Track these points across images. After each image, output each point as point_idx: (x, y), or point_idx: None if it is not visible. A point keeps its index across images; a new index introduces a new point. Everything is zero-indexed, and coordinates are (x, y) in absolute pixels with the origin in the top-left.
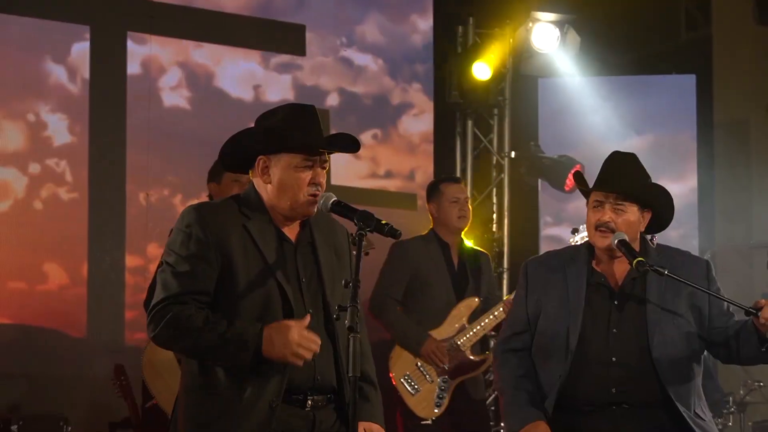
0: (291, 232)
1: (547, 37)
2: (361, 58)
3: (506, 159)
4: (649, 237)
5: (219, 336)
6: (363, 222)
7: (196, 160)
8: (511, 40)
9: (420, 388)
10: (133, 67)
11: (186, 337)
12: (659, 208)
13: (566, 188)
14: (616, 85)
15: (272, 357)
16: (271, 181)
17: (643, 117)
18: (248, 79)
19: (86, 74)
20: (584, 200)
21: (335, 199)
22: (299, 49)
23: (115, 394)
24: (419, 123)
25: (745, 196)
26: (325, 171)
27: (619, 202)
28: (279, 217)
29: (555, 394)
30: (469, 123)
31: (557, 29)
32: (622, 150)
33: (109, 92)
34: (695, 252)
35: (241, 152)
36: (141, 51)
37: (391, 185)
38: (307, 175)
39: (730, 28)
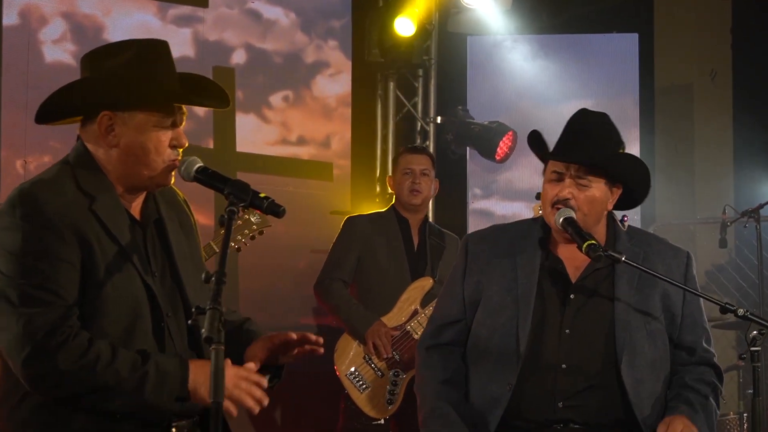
0: (134, 207)
1: None
2: (270, 11)
3: (431, 124)
4: (619, 217)
5: (133, 371)
6: (235, 195)
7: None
8: None
9: (369, 384)
10: (9, 17)
11: (114, 394)
12: (632, 183)
13: (497, 158)
14: (553, 44)
15: (202, 400)
16: (118, 143)
17: (582, 79)
18: (142, 32)
19: None
20: (516, 172)
21: (200, 164)
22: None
23: None
24: (336, 84)
25: (688, 168)
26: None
27: (582, 175)
28: (122, 189)
29: (501, 410)
30: (391, 85)
31: None
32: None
33: None
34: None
35: (77, 103)
36: None
37: (304, 153)
38: (166, 136)
39: None
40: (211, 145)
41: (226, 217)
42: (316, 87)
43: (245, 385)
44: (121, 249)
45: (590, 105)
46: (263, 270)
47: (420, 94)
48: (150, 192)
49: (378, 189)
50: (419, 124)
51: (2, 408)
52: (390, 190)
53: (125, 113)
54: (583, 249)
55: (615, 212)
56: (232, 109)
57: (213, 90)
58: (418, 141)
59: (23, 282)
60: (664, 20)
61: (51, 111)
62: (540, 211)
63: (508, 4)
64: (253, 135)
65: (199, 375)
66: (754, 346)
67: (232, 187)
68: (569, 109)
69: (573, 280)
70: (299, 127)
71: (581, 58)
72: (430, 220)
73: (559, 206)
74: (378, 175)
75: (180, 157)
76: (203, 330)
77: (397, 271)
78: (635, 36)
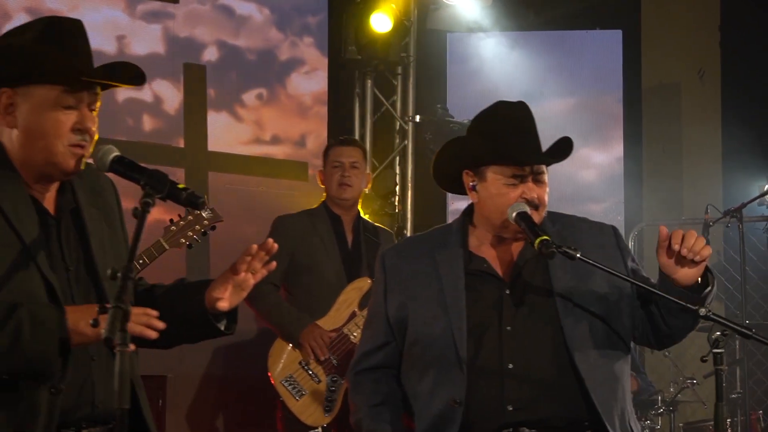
0: (47, 197)
1: None
2: (243, 7)
3: (410, 124)
4: None
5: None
6: (152, 186)
7: None
8: None
9: (305, 390)
10: None
11: None
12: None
13: None
14: (535, 41)
15: (86, 339)
16: (17, 124)
17: (564, 77)
18: (111, 28)
19: None
20: None
21: (117, 153)
22: None
23: None
24: (311, 82)
25: (676, 167)
26: (95, 116)
27: (541, 174)
28: (30, 177)
29: (456, 426)
30: (369, 83)
31: None
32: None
33: None
34: (620, 230)
35: None
36: None
37: (279, 152)
38: (69, 117)
39: None
40: (181, 144)
41: (140, 209)
42: (291, 85)
43: (145, 318)
44: (23, 244)
45: (573, 103)
46: None
47: (399, 93)
48: (64, 181)
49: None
50: (398, 123)
51: None
52: (323, 185)
53: (24, 90)
54: (536, 245)
55: None
56: (204, 108)
57: (125, 70)
58: (397, 140)
59: None
60: (652, 18)
61: None
62: None
63: (488, 1)
64: (225, 134)
65: (76, 312)
66: (716, 348)
67: (149, 177)
68: (552, 107)
69: (504, 277)
70: (273, 126)
71: (563, 56)
72: (408, 220)
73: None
74: None
75: (87, 143)
76: (102, 331)
77: (331, 272)
78: (619, 33)
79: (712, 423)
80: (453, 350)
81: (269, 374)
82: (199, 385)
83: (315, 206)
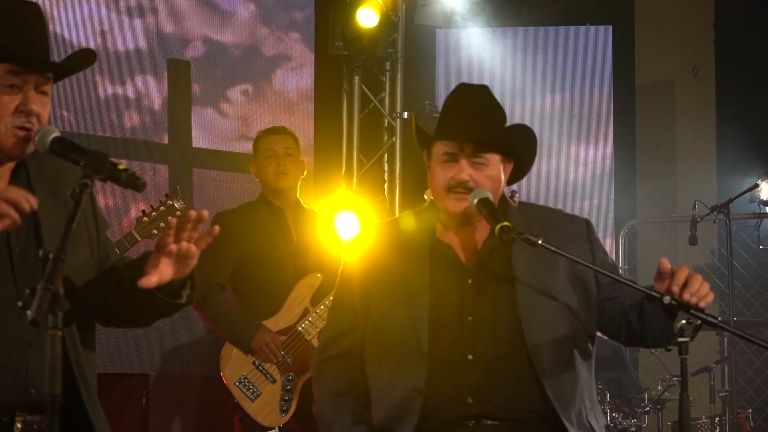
0: None
1: None
2: (228, 3)
3: (398, 120)
4: (509, 192)
5: None
6: (92, 167)
7: None
8: None
9: (260, 391)
10: None
11: None
12: (524, 155)
13: None
14: (524, 37)
15: None
16: None
17: (554, 73)
18: (93, 23)
19: None
20: None
21: (57, 134)
22: None
23: None
24: (298, 78)
25: (669, 165)
26: (46, 99)
27: (479, 154)
28: None
29: (415, 417)
30: (356, 79)
31: None
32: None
33: None
34: (611, 227)
35: None
36: None
37: None
38: (12, 98)
39: None
40: (165, 141)
41: (77, 190)
42: (277, 81)
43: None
44: None
45: (563, 99)
46: None
47: (387, 89)
48: (19, 165)
49: (343, 186)
50: (386, 120)
51: None
52: (258, 177)
53: None
54: (496, 231)
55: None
56: (188, 104)
57: (76, 55)
58: (385, 137)
59: None
60: (645, 15)
61: None
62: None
63: None
64: (210, 130)
65: None
66: (681, 336)
67: (89, 158)
68: (541, 104)
69: (467, 265)
70: (259, 122)
71: (553, 51)
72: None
73: (460, 191)
74: (343, 171)
75: (34, 126)
76: (29, 312)
77: (279, 266)
78: (609, 28)
79: (700, 421)
80: (414, 339)
81: (222, 375)
82: (183, 384)
83: (342, 202)
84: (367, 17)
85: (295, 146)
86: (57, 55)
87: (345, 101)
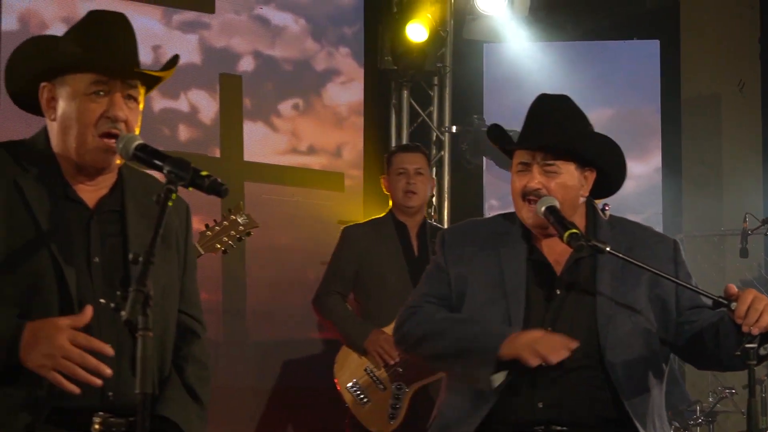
0: (90, 192)
1: None
2: (279, 17)
3: (447, 134)
4: (600, 205)
5: None
6: (175, 173)
7: None
8: (452, 1)
9: (371, 397)
10: (8, 22)
11: None
12: (605, 165)
13: None
14: (571, 51)
15: (31, 366)
16: (56, 116)
17: (601, 87)
18: (147, 38)
19: None
20: None
21: (141, 141)
22: (207, 5)
23: None
24: (347, 92)
25: (715, 179)
26: (134, 105)
27: (550, 162)
28: (71, 169)
29: (485, 410)
30: (405, 93)
31: None
32: (592, 123)
33: None
34: None
35: (19, 81)
36: (18, 3)
37: (315, 163)
38: (98, 106)
39: None
40: (217, 154)
41: (162, 196)
42: (327, 95)
43: (77, 353)
44: (37, 226)
45: (610, 113)
46: (271, 282)
47: (435, 103)
48: (121, 182)
49: (390, 201)
50: (434, 134)
51: None
52: (387, 192)
53: (60, 81)
54: (564, 238)
55: (596, 201)
56: (240, 118)
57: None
58: (434, 151)
59: None
60: (690, 30)
61: (12, 94)
62: None
63: (525, 11)
64: (261, 144)
65: (35, 333)
66: (749, 343)
67: (172, 164)
68: (589, 118)
69: (556, 273)
70: (309, 136)
71: (600, 65)
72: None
73: (532, 198)
74: None
75: (118, 131)
76: (123, 313)
77: (398, 279)
78: (656, 42)
79: None
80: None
81: (335, 380)
82: (269, 397)
83: (361, 215)
84: (417, 32)
85: (426, 165)
86: None
87: (393, 115)
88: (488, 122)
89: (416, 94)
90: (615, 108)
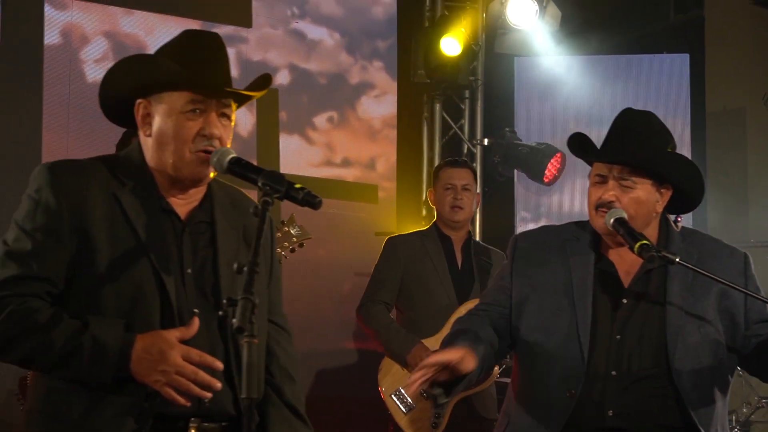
0: (182, 205)
1: (524, 11)
2: (315, 32)
3: (479, 147)
4: (673, 217)
5: (70, 339)
6: (270, 186)
7: None
8: (483, 15)
9: (414, 405)
10: (51, 36)
11: (25, 340)
12: (681, 184)
13: (545, 180)
14: (602, 65)
15: (142, 380)
16: (152, 132)
17: (631, 100)
18: None
19: None
20: (565, 194)
21: (234, 155)
22: (244, 20)
23: (20, 411)
24: (381, 105)
25: (740, 191)
26: (228, 122)
27: (626, 177)
28: (165, 182)
29: (564, 417)
30: (437, 106)
31: (535, 3)
32: (602, 136)
33: (23, 64)
34: None
35: (114, 94)
36: (61, 18)
37: (349, 175)
38: (195, 123)
39: (724, 9)
40: None
41: (260, 208)
42: (361, 108)
43: (190, 370)
44: (137, 238)
45: None
46: (307, 292)
47: (467, 116)
48: (210, 194)
49: (424, 212)
50: (466, 146)
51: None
52: (434, 206)
53: (157, 98)
54: (635, 249)
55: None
56: (276, 131)
57: (254, 83)
58: None
59: (8, 248)
60: (716, 43)
61: (105, 106)
62: None
63: (556, 25)
64: (297, 156)
65: (146, 343)
66: None
67: (267, 177)
68: None
69: (625, 285)
70: (344, 149)
71: (631, 79)
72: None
73: (604, 210)
74: (424, 197)
75: (213, 148)
76: (234, 320)
77: (441, 292)
78: (686, 57)
79: None
80: (576, 343)
81: (379, 388)
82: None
83: (425, 227)
84: (451, 46)
85: (473, 180)
86: None
87: (426, 128)
88: (519, 134)
89: (448, 107)
90: None
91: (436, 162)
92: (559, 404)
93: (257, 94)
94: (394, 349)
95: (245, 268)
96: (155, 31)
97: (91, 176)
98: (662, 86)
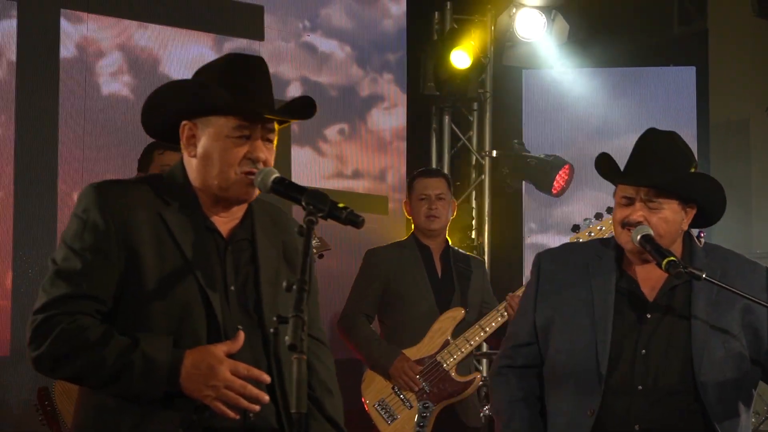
0: (224, 223)
1: (532, 24)
2: (326, 45)
3: (487, 158)
4: (696, 233)
5: (120, 356)
6: (314, 205)
7: (137, 155)
8: (492, 28)
9: (397, 415)
10: (66, 50)
11: (77, 357)
12: (706, 204)
13: (553, 191)
14: (609, 77)
15: (191, 395)
16: (197, 153)
17: (639, 112)
18: (199, 65)
19: (13, 57)
20: (573, 206)
21: (278, 175)
22: (257, 33)
23: (38, 422)
24: (391, 117)
25: (744, 201)
26: (271, 145)
27: (653, 199)
28: (208, 202)
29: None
30: (446, 118)
31: (543, 16)
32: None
33: (39, 78)
34: None
35: (160, 115)
36: (76, 31)
37: (360, 186)
38: (242, 148)
39: (727, 22)
40: None
41: (305, 227)
42: (372, 120)
43: (239, 384)
44: (183, 257)
45: None
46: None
47: (475, 128)
48: (250, 213)
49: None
50: (474, 158)
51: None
52: (410, 216)
53: (204, 121)
54: (663, 266)
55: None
56: (288, 142)
57: (296, 103)
58: (473, 175)
59: (57, 267)
60: (719, 55)
61: (149, 125)
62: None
63: (564, 38)
64: (308, 168)
65: (195, 359)
66: None
67: (310, 197)
68: (626, 143)
69: (649, 300)
70: (354, 161)
71: (638, 92)
72: (486, 254)
73: (630, 227)
74: None
75: (257, 170)
76: (287, 338)
77: (423, 301)
78: (692, 69)
79: None
80: (594, 363)
81: (363, 399)
82: None
83: (404, 238)
84: (461, 59)
85: (447, 189)
86: None
87: (435, 140)
88: (528, 146)
89: (457, 118)
90: None
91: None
92: (581, 423)
93: (304, 119)
94: (376, 361)
95: (294, 286)
96: (169, 45)
97: (137, 196)
98: (669, 99)
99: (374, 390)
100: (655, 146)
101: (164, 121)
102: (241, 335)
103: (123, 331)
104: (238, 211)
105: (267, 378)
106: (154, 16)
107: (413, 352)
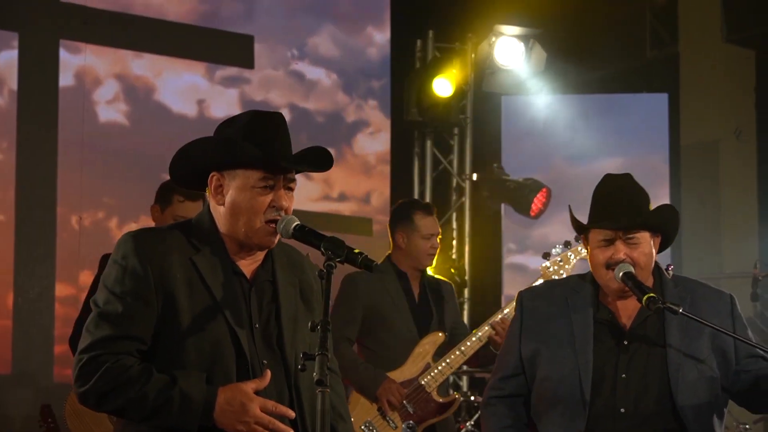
0: (247, 265)
1: (511, 52)
2: (313, 72)
3: (467, 181)
4: (664, 266)
5: (160, 393)
6: (332, 251)
7: (134, 180)
8: (472, 55)
9: None
10: (65, 79)
11: (120, 394)
12: (670, 229)
13: (531, 213)
14: (585, 103)
15: (224, 429)
16: (225, 202)
17: (613, 138)
18: (192, 92)
19: (14, 85)
20: (551, 227)
21: (298, 222)
22: (247, 62)
23: None
24: (375, 142)
25: (714, 224)
26: (291, 194)
27: (631, 235)
28: (234, 247)
29: None
30: (428, 143)
31: (522, 44)
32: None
33: (39, 105)
34: None
35: (190, 166)
36: (74, 61)
37: (346, 209)
38: (266, 197)
39: (698, 46)
40: None
41: (325, 271)
42: (357, 145)
43: (268, 420)
44: (213, 299)
45: (621, 162)
46: None
47: (456, 152)
48: (270, 254)
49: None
50: (455, 181)
51: None
52: (399, 246)
53: (231, 173)
54: (644, 302)
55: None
56: None
57: (315, 154)
58: (454, 197)
59: (100, 310)
60: (689, 79)
61: (177, 174)
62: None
63: (542, 65)
64: (297, 192)
65: (228, 396)
66: None
67: (328, 243)
68: (601, 167)
69: (625, 329)
70: (341, 184)
71: (612, 118)
72: (466, 273)
73: (613, 267)
74: None
75: (281, 218)
76: (315, 374)
77: (402, 326)
78: (665, 96)
79: None
80: (578, 389)
81: None
82: None
83: (379, 261)
84: (443, 87)
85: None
86: (161, 122)
87: (417, 163)
88: (507, 170)
89: (438, 143)
90: (625, 157)
91: (427, 195)
92: None
93: (323, 172)
94: (363, 385)
95: (319, 327)
96: (163, 73)
97: (171, 243)
98: (642, 124)
99: (360, 411)
100: (620, 189)
101: (192, 171)
102: (268, 373)
103: (160, 367)
104: (260, 254)
105: (292, 414)
106: (149, 46)
107: (397, 375)
